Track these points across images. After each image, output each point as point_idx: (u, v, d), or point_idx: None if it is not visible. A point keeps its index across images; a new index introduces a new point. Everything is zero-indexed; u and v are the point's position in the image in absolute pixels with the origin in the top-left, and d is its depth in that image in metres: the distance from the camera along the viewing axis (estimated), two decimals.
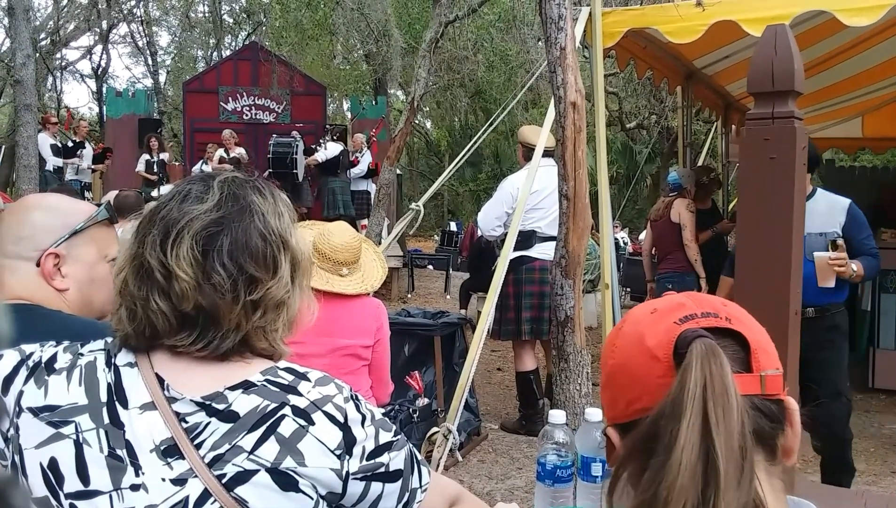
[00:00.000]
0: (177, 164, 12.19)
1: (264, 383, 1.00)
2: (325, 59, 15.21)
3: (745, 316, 0.80)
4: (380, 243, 7.21)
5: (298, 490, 0.95)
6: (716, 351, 0.71)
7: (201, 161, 11.17)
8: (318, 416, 0.98)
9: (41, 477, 0.95)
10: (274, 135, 11.79)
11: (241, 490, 0.94)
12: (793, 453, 0.77)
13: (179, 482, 0.94)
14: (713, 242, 5.64)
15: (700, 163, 7.70)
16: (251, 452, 0.95)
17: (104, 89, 17.64)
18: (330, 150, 11.12)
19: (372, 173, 11.13)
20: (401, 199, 15.02)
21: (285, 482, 0.95)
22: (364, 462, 1.00)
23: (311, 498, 0.96)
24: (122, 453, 0.95)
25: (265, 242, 1.02)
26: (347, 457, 0.99)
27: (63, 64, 20.79)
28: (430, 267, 13.20)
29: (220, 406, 0.97)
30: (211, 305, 0.98)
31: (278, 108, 12.84)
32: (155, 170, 11.16)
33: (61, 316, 1.37)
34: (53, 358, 1.02)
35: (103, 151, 11.84)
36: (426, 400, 4.30)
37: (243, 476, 0.94)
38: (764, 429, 0.73)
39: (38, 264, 1.38)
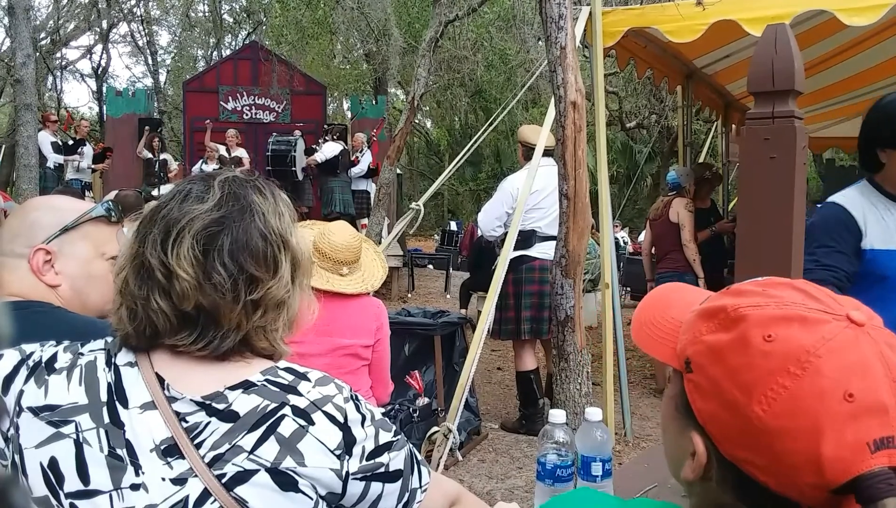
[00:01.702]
0: (177, 164, 12.18)
1: (264, 383, 1.00)
2: (325, 58, 15.20)
3: None
4: (380, 243, 7.21)
5: (298, 490, 0.95)
6: None
7: (201, 161, 11.16)
8: (317, 416, 0.98)
9: (41, 477, 0.95)
10: (274, 133, 11.79)
11: (240, 490, 0.94)
12: None
13: (179, 481, 0.95)
14: (712, 242, 5.64)
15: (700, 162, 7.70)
16: (251, 452, 0.95)
17: (104, 89, 17.63)
18: (328, 150, 11.12)
19: (372, 173, 11.13)
20: (401, 198, 15.03)
21: (285, 482, 0.95)
22: (364, 462, 1.00)
23: (311, 498, 0.96)
24: (122, 452, 0.95)
25: (266, 241, 1.02)
26: (347, 457, 0.99)
27: (63, 63, 20.78)
28: (431, 267, 13.22)
29: (220, 406, 0.97)
30: (211, 304, 0.98)
31: (278, 107, 12.84)
32: (156, 169, 11.16)
33: (60, 314, 1.37)
34: (54, 358, 1.02)
35: (103, 150, 11.84)
36: (426, 400, 4.30)
37: (243, 476, 0.94)
38: None
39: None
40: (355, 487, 1.00)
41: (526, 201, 4.55)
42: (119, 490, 0.94)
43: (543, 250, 4.66)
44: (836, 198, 2.26)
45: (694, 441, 0.70)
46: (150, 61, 19.93)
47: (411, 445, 1.10)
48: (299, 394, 1.00)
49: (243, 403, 0.98)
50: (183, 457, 0.95)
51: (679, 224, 5.47)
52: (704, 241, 5.54)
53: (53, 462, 0.95)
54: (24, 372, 1.00)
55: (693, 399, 0.71)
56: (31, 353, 1.03)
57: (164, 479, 0.95)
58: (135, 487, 0.94)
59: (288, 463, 0.95)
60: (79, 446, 0.96)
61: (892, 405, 0.62)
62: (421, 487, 1.08)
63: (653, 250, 6.00)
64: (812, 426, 0.62)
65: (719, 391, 0.68)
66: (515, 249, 4.61)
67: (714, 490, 0.70)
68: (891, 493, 0.60)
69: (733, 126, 7.66)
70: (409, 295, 10.61)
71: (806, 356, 0.64)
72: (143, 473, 0.95)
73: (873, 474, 0.61)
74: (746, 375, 0.66)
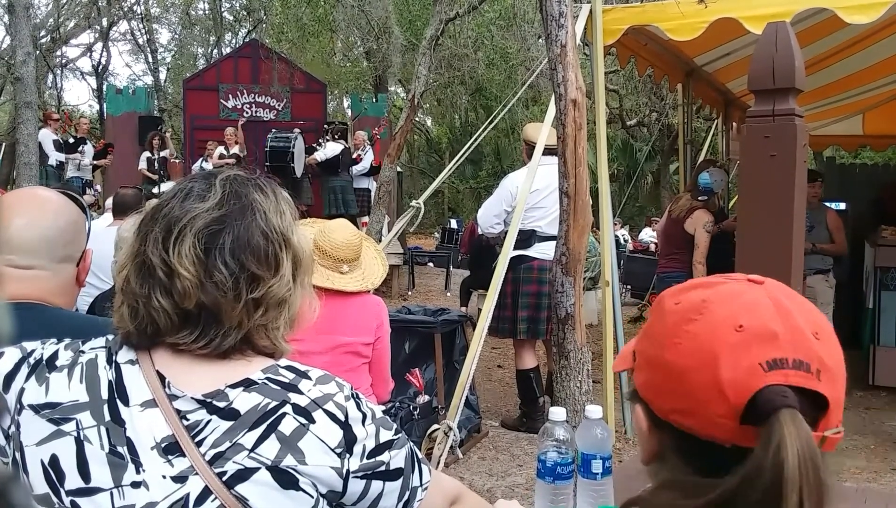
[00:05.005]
0: (177, 161, 12.16)
1: (265, 381, 1.00)
2: (325, 56, 15.19)
3: (833, 357, 0.71)
4: (380, 241, 7.21)
5: (299, 489, 0.96)
6: (805, 432, 0.64)
7: (201, 158, 11.15)
8: (318, 414, 0.99)
9: (42, 474, 0.95)
10: (273, 129, 11.77)
11: (241, 488, 0.94)
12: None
13: (180, 479, 0.95)
14: (717, 239, 5.56)
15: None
16: (252, 450, 0.95)
17: (104, 87, 17.63)
18: (329, 149, 11.10)
19: (374, 171, 11.12)
20: (401, 196, 15.03)
21: (286, 480, 0.95)
22: (364, 461, 1.00)
23: (312, 497, 0.97)
24: (122, 450, 0.95)
25: (267, 240, 1.02)
26: (348, 455, 0.99)
27: (63, 61, 20.79)
28: (431, 264, 13.22)
29: (221, 404, 0.97)
30: (213, 303, 0.98)
31: (279, 105, 12.81)
32: (156, 167, 11.15)
33: (61, 312, 1.38)
34: (55, 356, 1.02)
35: (104, 146, 11.83)
36: (427, 397, 4.30)
37: (244, 474, 0.95)
38: None
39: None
40: (356, 485, 1.00)
41: (526, 199, 4.55)
42: (120, 488, 0.94)
43: (543, 250, 4.65)
44: None
45: (633, 409, 0.78)
46: (150, 59, 19.94)
47: (412, 443, 1.10)
48: (300, 392, 1.00)
49: (244, 401, 0.98)
50: (183, 455, 0.95)
51: (694, 241, 5.26)
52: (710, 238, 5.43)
53: (54, 460, 0.95)
54: (24, 370, 1.01)
55: (635, 378, 0.79)
56: (32, 351, 1.03)
57: (164, 477, 0.95)
58: (135, 485, 0.94)
59: (289, 461, 0.95)
60: (79, 443, 0.96)
61: (782, 333, 0.69)
62: (422, 485, 1.08)
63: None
64: (710, 356, 0.70)
65: (647, 358, 0.77)
66: (515, 248, 4.61)
67: (662, 468, 0.76)
68: (785, 404, 0.65)
69: (734, 124, 7.65)
70: (410, 293, 10.61)
71: (703, 304, 0.74)
72: (143, 471, 0.95)
73: (769, 389, 0.66)
74: (660, 333, 0.75)
